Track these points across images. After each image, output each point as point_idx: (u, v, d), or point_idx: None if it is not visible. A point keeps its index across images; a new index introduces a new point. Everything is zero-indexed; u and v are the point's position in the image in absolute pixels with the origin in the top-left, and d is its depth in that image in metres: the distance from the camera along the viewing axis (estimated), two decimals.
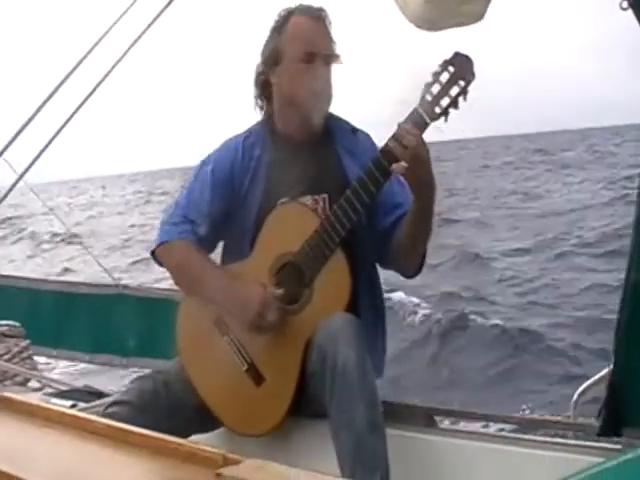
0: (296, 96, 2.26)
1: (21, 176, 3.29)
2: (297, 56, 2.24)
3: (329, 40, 2.28)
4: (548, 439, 2.15)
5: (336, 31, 2.32)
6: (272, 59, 2.29)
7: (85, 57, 2.97)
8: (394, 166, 2.00)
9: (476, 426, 2.29)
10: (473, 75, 1.97)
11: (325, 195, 2.24)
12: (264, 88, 2.35)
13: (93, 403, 2.58)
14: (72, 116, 3.16)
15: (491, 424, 2.52)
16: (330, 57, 2.27)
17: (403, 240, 2.17)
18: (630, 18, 1.84)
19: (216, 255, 2.40)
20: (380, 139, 2.32)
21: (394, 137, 2.01)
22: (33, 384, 3.28)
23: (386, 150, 2.03)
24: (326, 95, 2.29)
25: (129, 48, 3.04)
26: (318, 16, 2.26)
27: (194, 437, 2.13)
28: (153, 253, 2.33)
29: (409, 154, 1.96)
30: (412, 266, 2.26)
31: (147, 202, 35.14)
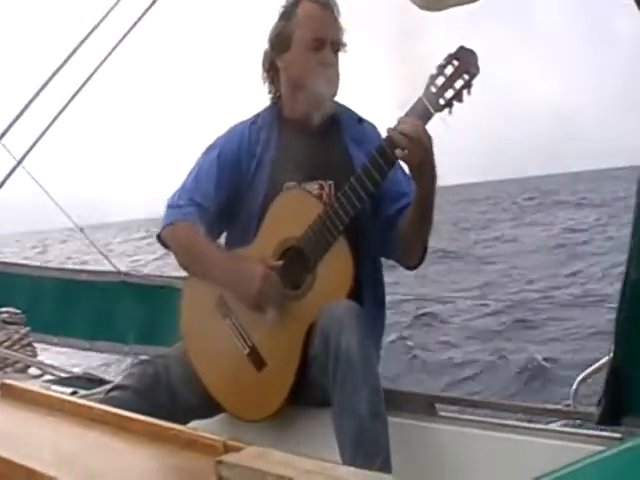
0: (304, 81, 2.26)
1: (19, 162, 3.28)
2: (306, 42, 2.26)
3: (338, 27, 2.29)
4: (548, 427, 2.15)
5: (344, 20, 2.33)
6: (280, 44, 2.30)
7: (73, 53, 2.98)
8: (397, 152, 2.01)
9: (477, 413, 2.29)
10: (477, 69, 1.98)
11: (331, 182, 2.26)
12: (272, 72, 2.37)
13: (93, 390, 2.59)
14: (67, 104, 3.15)
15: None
16: (338, 44, 2.28)
17: (406, 230, 2.18)
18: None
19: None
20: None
21: (397, 126, 2.02)
22: (33, 371, 3.29)
23: (389, 138, 2.03)
24: (334, 81, 2.30)
25: (119, 42, 3.03)
26: (327, 2, 2.28)
27: (194, 423, 2.14)
28: (159, 236, 2.34)
29: (411, 142, 1.97)
30: (413, 257, 2.27)
31: None
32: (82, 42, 2.94)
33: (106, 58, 3.07)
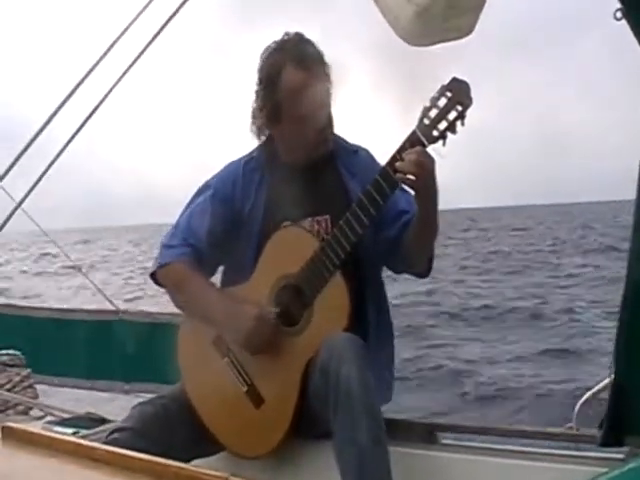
0: (300, 144, 2.27)
1: (20, 204, 3.29)
2: (297, 117, 2.23)
3: (325, 87, 2.25)
4: (551, 451, 2.15)
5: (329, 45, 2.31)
6: (270, 115, 2.27)
7: (76, 88, 2.98)
8: (399, 176, 2.01)
9: (477, 440, 2.29)
10: (470, 100, 1.99)
11: (327, 216, 2.26)
12: (263, 130, 2.35)
13: (95, 429, 2.58)
14: (68, 144, 3.16)
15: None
16: (329, 102, 2.26)
17: (411, 244, 2.19)
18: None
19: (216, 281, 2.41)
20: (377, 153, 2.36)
21: (398, 153, 2.03)
22: (35, 413, 3.28)
23: (387, 174, 2.05)
24: (329, 129, 2.29)
25: (113, 86, 3.03)
26: (310, 64, 2.21)
27: (196, 462, 2.14)
28: (153, 275, 2.35)
29: (419, 169, 1.98)
30: (422, 266, 2.28)
31: None
32: (77, 86, 2.95)
33: (103, 100, 3.08)
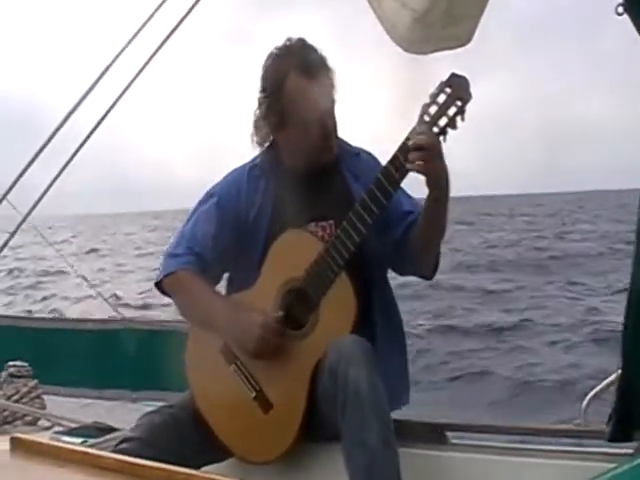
0: (306, 151, 2.26)
1: (25, 217, 3.29)
2: (302, 123, 2.21)
3: (331, 96, 2.24)
4: (559, 448, 2.15)
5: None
6: (274, 122, 2.26)
7: (85, 96, 2.96)
8: (409, 166, 1.99)
9: (487, 439, 2.29)
10: (470, 95, 1.99)
11: (332, 221, 2.25)
12: (266, 139, 2.35)
13: (103, 438, 2.59)
14: (73, 156, 3.15)
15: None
16: (333, 108, 2.25)
17: (418, 242, 2.18)
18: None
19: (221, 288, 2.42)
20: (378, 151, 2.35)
21: (399, 152, 2.03)
22: (43, 423, 3.29)
23: (390, 167, 2.05)
24: (334, 135, 2.28)
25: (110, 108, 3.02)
26: (314, 71, 2.20)
27: (205, 468, 2.14)
28: (158, 284, 2.35)
29: (427, 152, 1.97)
30: (428, 267, 2.27)
31: None
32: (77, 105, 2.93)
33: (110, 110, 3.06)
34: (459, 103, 1.99)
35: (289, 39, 2.26)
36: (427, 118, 2.01)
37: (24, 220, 3.30)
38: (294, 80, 2.20)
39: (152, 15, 2.84)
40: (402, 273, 2.35)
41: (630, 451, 2.01)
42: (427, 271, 2.29)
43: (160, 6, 2.81)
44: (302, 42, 2.25)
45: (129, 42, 2.86)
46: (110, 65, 2.89)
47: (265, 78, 2.26)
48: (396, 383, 2.21)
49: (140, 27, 2.85)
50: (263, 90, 2.27)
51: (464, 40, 2.22)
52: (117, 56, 2.87)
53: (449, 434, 2.29)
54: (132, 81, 2.92)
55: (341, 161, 2.34)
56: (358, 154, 2.38)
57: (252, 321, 2.16)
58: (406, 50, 2.28)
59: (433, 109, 2.00)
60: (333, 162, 2.32)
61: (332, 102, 2.25)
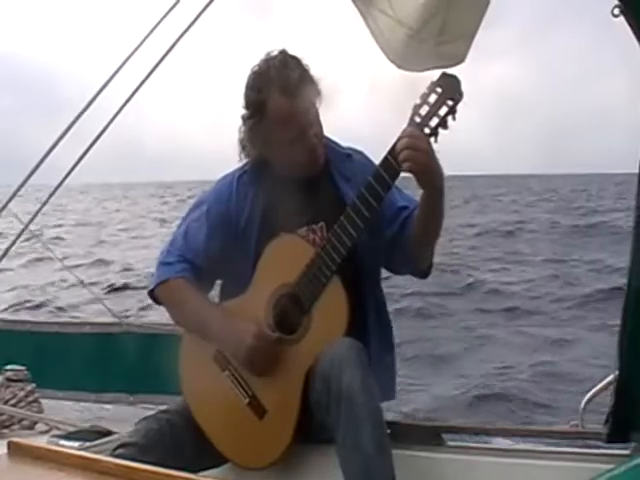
0: (291, 164, 2.27)
1: (27, 225, 3.27)
2: (287, 141, 2.21)
3: (314, 112, 2.24)
4: (557, 449, 2.15)
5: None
6: (260, 142, 2.27)
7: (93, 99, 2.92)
8: (400, 157, 1.99)
9: (483, 441, 2.29)
10: (461, 95, 1.99)
11: (322, 224, 2.25)
12: (252, 155, 2.34)
13: (100, 441, 2.58)
14: (80, 159, 3.11)
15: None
16: (317, 120, 2.25)
17: (415, 236, 2.17)
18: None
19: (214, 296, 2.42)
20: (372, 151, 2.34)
21: (389, 154, 2.03)
22: (40, 427, 3.28)
23: (381, 170, 2.05)
24: (320, 146, 2.27)
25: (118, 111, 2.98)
26: (295, 91, 2.18)
27: (201, 473, 2.14)
28: (151, 293, 2.35)
29: (412, 150, 1.97)
30: (423, 265, 2.27)
31: None
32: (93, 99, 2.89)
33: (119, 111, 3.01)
34: (450, 103, 1.98)
35: (268, 53, 2.24)
36: (418, 119, 2.01)
37: (26, 227, 3.29)
38: (275, 102, 2.19)
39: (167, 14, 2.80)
40: (396, 271, 2.35)
41: (627, 452, 2.01)
42: (421, 269, 2.29)
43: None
44: (282, 56, 2.23)
45: (154, 27, 2.80)
46: (135, 50, 2.82)
47: (247, 96, 2.25)
48: (383, 380, 2.19)
49: (166, 13, 2.81)
50: (246, 107, 2.26)
51: (458, 58, 2.22)
52: (141, 43, 2.80)
53: (445, 436, 2.29)
54: (156, 66, 2.86)
55: (331, 164, 2.34)
56: (349, 155, 2.38)
57: (246, 331, 2.17)
58: (399, 67, 2.28)
59: (424, 109, 2.00)
60: (323, 165, 2.31)
61: (316, 114, 2.24)
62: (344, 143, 2.42)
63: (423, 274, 2.30)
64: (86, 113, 2.79)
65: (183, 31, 2.71)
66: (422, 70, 2.27)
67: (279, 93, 2.18)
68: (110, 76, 2.78)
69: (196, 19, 2.67)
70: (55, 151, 2.82)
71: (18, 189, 2.86)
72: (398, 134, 2.04)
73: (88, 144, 2.91)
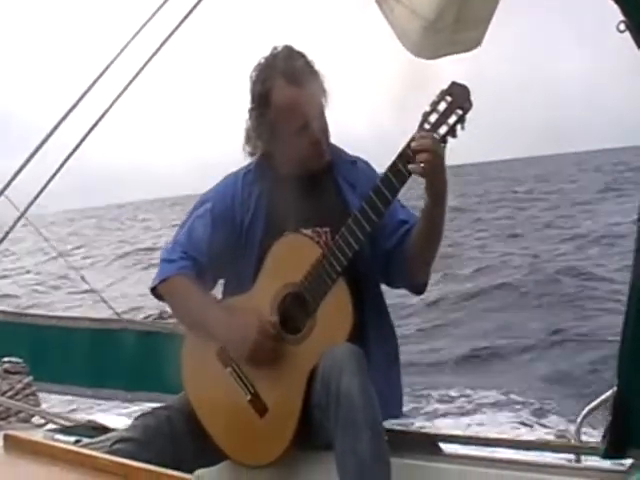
0: (296, 157, 2.27)
1: (22, 214, 3.28)
2: (291, 132, 2.22)
3: (318, 103, 2.24)
4: (554, 462, 2.14)
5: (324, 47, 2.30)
6: (265, 133, 2.27)
7: (85, 94, 2.94)
8: (411, 167, 2.00)
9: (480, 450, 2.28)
10: (470, 104, 2.00)
11: (327, 229, 2.25)
12: (258, 148, 2.35)
13: (97, 439, 2.58)
14: (73, 151, 3.13)
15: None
16: (322, 114, 2.26)
17: (414, 249, 2.17)
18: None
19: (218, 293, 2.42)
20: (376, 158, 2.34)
21: (399, 158, 2.03)
22: (37, 420, 3.28)
23: (393, 167, 2.05)
24: (325, 140, 2.28)
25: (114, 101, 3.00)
26: (301, 81, 2.20)
27: (200, 471, 2.13)
28: (153, 289, 2.35)
29: (429, 154, 1.98)
30: (420, 280, 2.27)
31: None
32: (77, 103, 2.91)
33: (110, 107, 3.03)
34: (460, 112, 2.00)
35: (275, 47, 2.26)
36: (427, 126, 2.02)
37: (22, 215, 3.29)
38: (281, 91, 2.20)
39: (159, 7, 2.81)
40: (393, 285, 2.34)
41: (624, 468, 2.00)
42: (416, 285, 2.29)
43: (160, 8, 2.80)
44: (288, 50, 2.26)
45: (127, 44, 2.84)
46: (106, 68, 2.87)
47: (253, 89, 2.27)
48: (387, 394, 2.18)
49: (139, 28, 2.84)
50: (252, 100, 2.28)
51: (473, 45, 2.23)
52: (112, 61, 2.85)
53: (442, 445, 2.28)
54: (131, 82, 2.90)
55: (336, 169, 2.34)
56: (354, 162, 2.38)
57: (248, 324, 2.16)
58: (417, 55, 2.28)
59: (433, 117, 2.01)
60: (327, 169, 2.32)
61: (321, 108, 2.26)
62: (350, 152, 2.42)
63: (418, 290, 2.31)
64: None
65: (148, 58, 2.77)
66: (437, 57, 2.27)
67: (285, 81, 2.20)
68: (79, 97, 2.83)
69: (164, 43, 2.73)
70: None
71: None
72: (397, 136, 2.05)
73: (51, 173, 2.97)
